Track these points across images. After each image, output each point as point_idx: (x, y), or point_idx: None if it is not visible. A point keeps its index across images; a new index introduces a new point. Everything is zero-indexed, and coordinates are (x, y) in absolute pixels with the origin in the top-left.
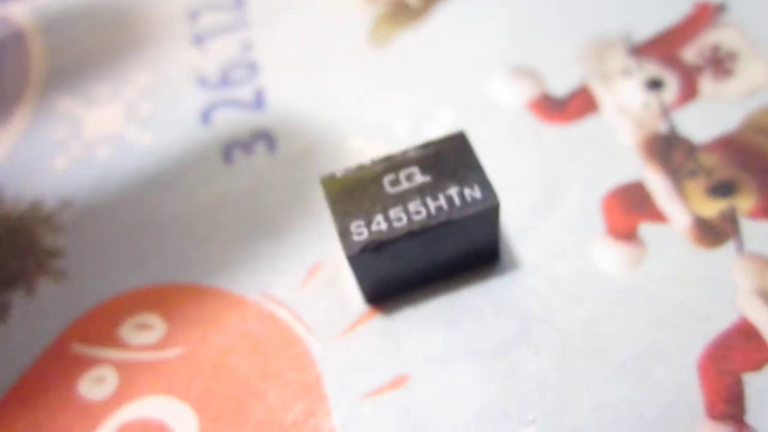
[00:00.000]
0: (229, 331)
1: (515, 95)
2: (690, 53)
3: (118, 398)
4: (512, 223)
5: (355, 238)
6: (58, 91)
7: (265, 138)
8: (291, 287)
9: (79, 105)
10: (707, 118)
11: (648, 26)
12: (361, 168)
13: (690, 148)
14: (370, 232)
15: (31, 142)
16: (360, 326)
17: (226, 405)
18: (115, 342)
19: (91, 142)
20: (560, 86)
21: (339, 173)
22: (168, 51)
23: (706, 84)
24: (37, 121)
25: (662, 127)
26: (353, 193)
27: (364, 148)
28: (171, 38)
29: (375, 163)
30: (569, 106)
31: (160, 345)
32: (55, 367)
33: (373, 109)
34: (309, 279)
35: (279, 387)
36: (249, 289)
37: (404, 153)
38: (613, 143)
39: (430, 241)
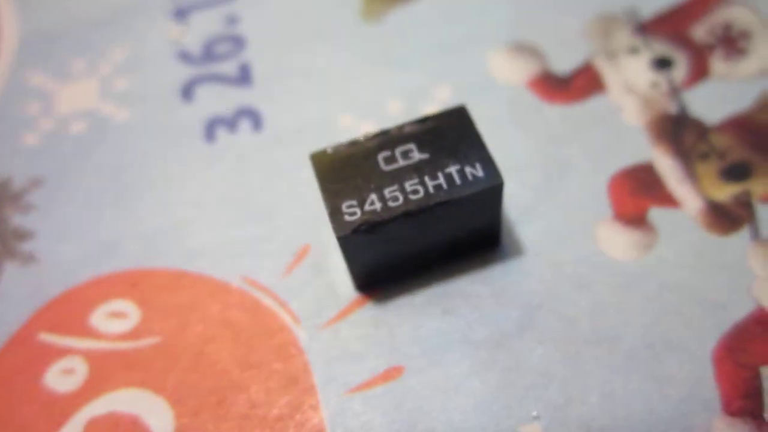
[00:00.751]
0: (209, 319)
1: (515, 73)
2: (700, 31)
3: (88, 391)
4: (513, 205)
5: (347, 218)
6: (29, 65)
7: (249, 115)
8: (276, 273)
9: (51, 79)
10: (719, 99)
11: (655, 3)
12: (353, 144)
13: (701, 130)
14: (363, 212)
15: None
16: (350, 314)
17: (206, 398)
18: (86, 331)
19: (63, 117)
20: (563, 64)
21: (330, 149)
22: (147, 24)
23: (718, 63)
24: (5, 96)
25: (672, 107)
26: (345, 170)
27: (356, 127)
28: (151, 11)
29: (369, 138)
30: (573, 84)
31: (135, 334)
32: (19, 358)
33: (365, 86)
34: (295, 264)
35: (263, 379)
36: (231, 274)
37: (400, 128)
38: (620, 123)
39: (427, 222)
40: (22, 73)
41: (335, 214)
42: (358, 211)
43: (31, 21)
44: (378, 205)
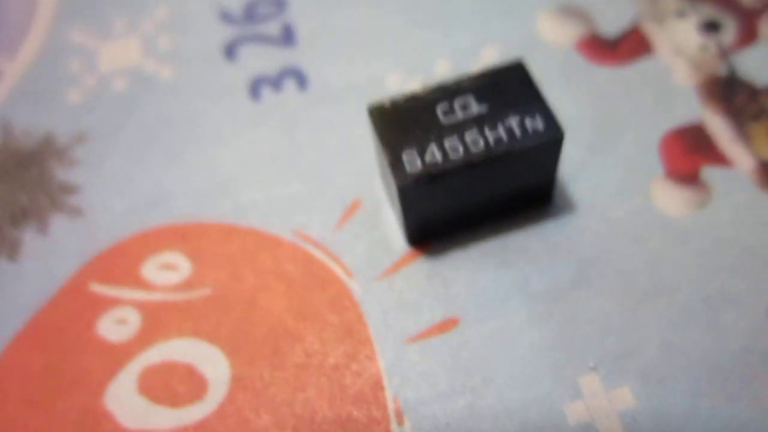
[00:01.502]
0: (261, 271)
1: (563, 34)
2: None
3: (142, 340)
4: (566, 163)
5: (408, 168)
6: (69, 22)
7: (294, 74)
8: (327, 227)
9: (92, 37)
10: None
11: None
12: (411, 97)
13: (753, 91)
14: (424, 163)
15: (41, 74)
16: (403, 267)
17: (260, 348)
18: (137, 281)
19: (106, 75)
20: (611, 26)
21: (387, 102)
22: None
23: (767, 27)
24: (47, 54)
25: (722, 70)
26: (404, 122)
27: (403, 85)
28: None
29: (427, 91)
30: (621, 46)
31: (187, 285)
32: (71, 307)
33: (411, 47)
34: (347, 218)
35: (317, 329)
36: (282, 228)
37: (458, 82)
38: (670, 85)
39: (486, 174)
40: (63, 31)
41: (396, 164)
42: (418, 161)
43: None
44: (438, 156)
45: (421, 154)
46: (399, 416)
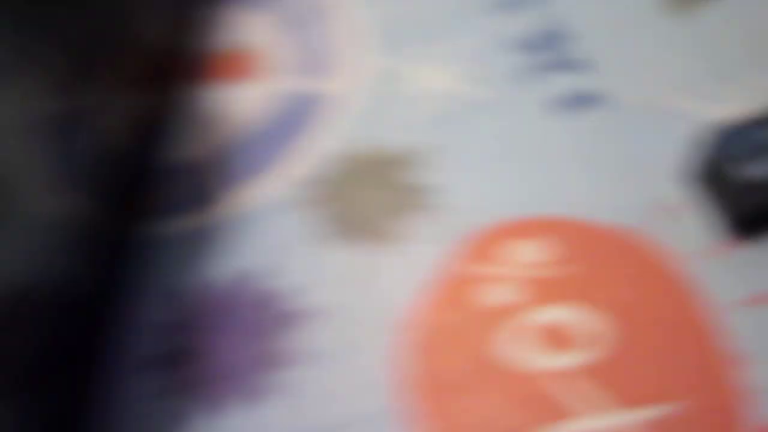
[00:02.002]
0: (606, 257)
1: None
2: None
3: (518, 305)
4: None
5: (740, 181)
6: (393, 50)
7: (590, 99)
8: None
9: (412, 63)
10: None
11: None
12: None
13: None
14: (751, 175)
15: (378, 97)
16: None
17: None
18: (508, 262)
19: (433, 96)
20: None
21: (721, 125)
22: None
23: None
24: (380, 78)
25: None
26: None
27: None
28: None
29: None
30: None
31: (552, 264)
32: (452, 284)
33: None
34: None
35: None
36: (610, 218)
37: None
38: None
39: None
40: (389, 58)
41: (732, 178)
42: (746, 174)
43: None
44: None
45: (747, 168)
46: None
